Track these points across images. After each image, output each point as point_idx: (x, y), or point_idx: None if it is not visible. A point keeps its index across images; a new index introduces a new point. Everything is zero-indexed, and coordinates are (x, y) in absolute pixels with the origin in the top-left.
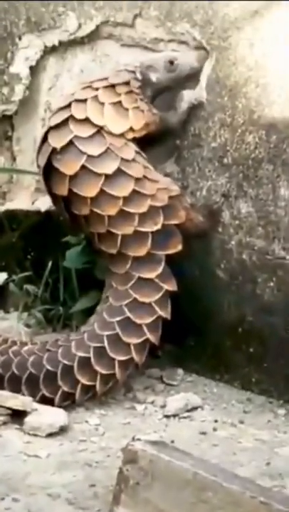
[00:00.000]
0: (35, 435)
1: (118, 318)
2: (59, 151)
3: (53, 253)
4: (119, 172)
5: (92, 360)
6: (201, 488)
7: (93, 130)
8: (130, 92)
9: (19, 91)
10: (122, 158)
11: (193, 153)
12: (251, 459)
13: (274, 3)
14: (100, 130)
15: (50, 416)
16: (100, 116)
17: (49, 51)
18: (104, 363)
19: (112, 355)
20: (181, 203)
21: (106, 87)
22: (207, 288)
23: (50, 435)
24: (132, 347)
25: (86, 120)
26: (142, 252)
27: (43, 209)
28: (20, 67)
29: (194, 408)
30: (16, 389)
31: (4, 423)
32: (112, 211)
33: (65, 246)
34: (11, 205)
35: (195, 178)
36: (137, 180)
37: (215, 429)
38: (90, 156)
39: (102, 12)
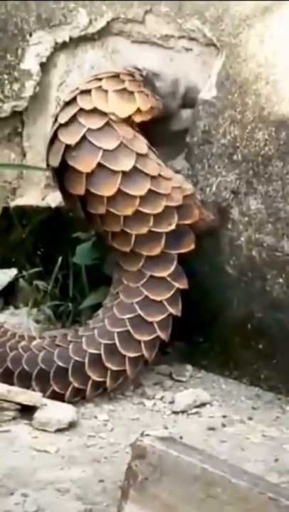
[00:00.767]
0: (44, 430)
1: (129, 316)
2: (73, 147)
3: (63, 249)
4: (135, 170)
5: (103, 356)
6: (209, 484)
7: (103, 121)
8: (134, 80)
9: (30, 87)
10: (137, 154)
11: (203, 150)
12: (259, 455)
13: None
14: (110, 122)
15: (59, 411)
16: (105, 104)
17: (60, 47)
18: (114, 359)
19: (122, 352)
20: (194, 202)
21: (110, 76)
22: (216, 284)
23: (59, 430)
24: (143, 344)
25: (94, 110)
26: (155, 251)
27: (53, 205)
28: (30, 63)
29: (203, 404)
30: (26, 384)
31: (13, 418)
32: (129, 211)
33: (75, 242)
34: (21, 200)
35: (204, 175)
36: (153, 178)
37: (223, 425)
38: (105, 151)
39: (112, 8)
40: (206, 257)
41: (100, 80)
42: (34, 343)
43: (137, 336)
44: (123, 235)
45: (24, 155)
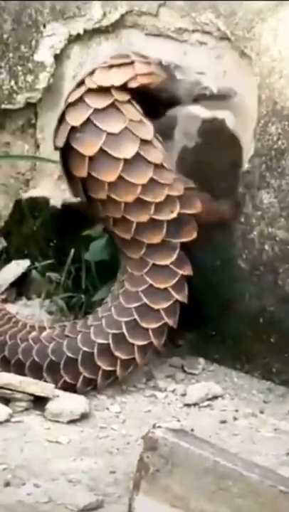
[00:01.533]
0: (57, 421)
1: (135, 304)
2: (79, 128)
3: (75, 241)
4: (138, 157)
5: (112, 346)
6: (220, 477)
7: (108, 101)
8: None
9: (43, 79)
10: (141, 140)
11: None
12: (271, 449)
13: None
14: (115, 102)
15: (71, 403)
16: (106, 78)
17: (73, 39)
18: (123, 348)
19: (131, 340)
20: (195, 191)
21: (123, 64)
22: (229, 278)
23: (71, 422)
24: (151, 332)
25: (99, 90)
26: (156, 239)
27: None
28: (44, 55)
29: (215, 397)
30: (37, 376)
31: (26, 409)
32: (130, 198)
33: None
34: (33, 192)
35: None
36: (155, 167)
37: (235, 419)
38: (109, 135)
39: (126, 1)
40: (219, 250)
41: (110, 65)
42: (44, 333)
43: (145, 324)
44: (124, 221)
45: (38, 146)
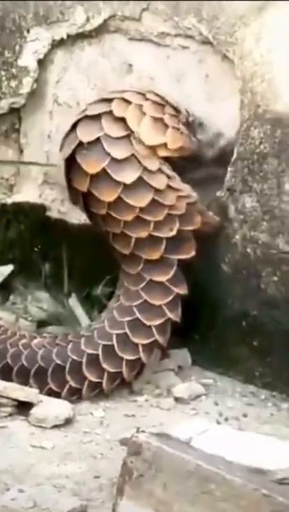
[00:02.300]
0: (41, 427)
1: (127, 319)
2: (86, 146)
3: (58, 245)
4: (140, 181)
5: (101, 357)
6: (204, 480)
7: (124, 133)
8: (175, 116)
9: (27, 84)
10: (145, 168)
11: None
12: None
13: None
14: (131, 135)
15: (55, 408)
16: (136, 121)
17: (57, 44)
18: (112, 361)
19: (120, 354)
20: (197, 208)
21: (156, 102)
22: (212, 282)
23: (55, 427)
24: (140, 347)
25: (121, 120)
26: (154, 255)
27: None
28: (28, 60)
29: (198, 401)
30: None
31: (10, 414)
32: (129, 217)
33: (69, 238)
34: (17, 197)
35: None
36: (158, 191)
37: (218, 422)
38: (113, 159)
39: (109, 6)
40: (202, 254)
41: (147, 99)
42: (35, 341)
43: (135, 339)
44: (123, 237)
45: (21, 151)
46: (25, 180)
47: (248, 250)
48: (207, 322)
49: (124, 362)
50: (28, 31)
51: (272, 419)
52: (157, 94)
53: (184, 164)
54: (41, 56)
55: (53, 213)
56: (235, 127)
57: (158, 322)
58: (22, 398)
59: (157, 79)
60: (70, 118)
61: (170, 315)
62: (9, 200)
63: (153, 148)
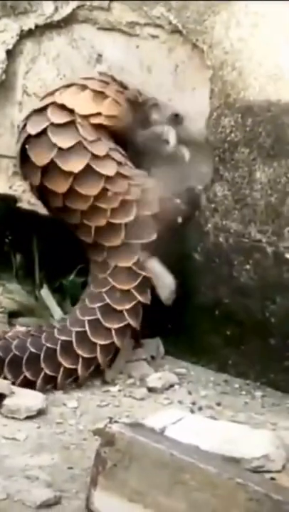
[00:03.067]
0: (13, 418)
1: (98, 304)
2: (33, 138)
3: (29, 237)
4: (89, 169)
5: (74, 344)
6: (178, 470)
7: (67, 118)
8: (120, 92)
9: None
10: (93, 154)
11: None
12: None
13: None
14: (74, 121)
15: (28, 399)
16: (72, 100)
17: (25, 35)
18: (85, 347)
19: (93, 339)
20: (155, 194)
21: (102, 80)
22: (184, 270)
23: (28, 418)
24: (113, 331)
25: (65, 107)
26: (116, 242)
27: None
28: None
29: (172, 390)
30: None
31: None
32: (84, 207)
33: (40, 229)
34: None
35: None
36: (108, 178)
37: (192, 412)
38: (60, 150)
39: None
40: (174, 243)
41: (91, 79)
42: (9, 333)
43: (107, 324)
44: (83, 226)
45: None
46: None
47: (220, 239)
48: (180, 311)
49: (98, 347)
50: None
51: (246, 407)
52: (105, 74)
53: None
54: (10, 47)
55: (24, 204)
56: (205, 116)
57: (128, 306)
58: None
59: (127, 68)
60: None
61: (140, 298)
62: None
63: (87, 118)
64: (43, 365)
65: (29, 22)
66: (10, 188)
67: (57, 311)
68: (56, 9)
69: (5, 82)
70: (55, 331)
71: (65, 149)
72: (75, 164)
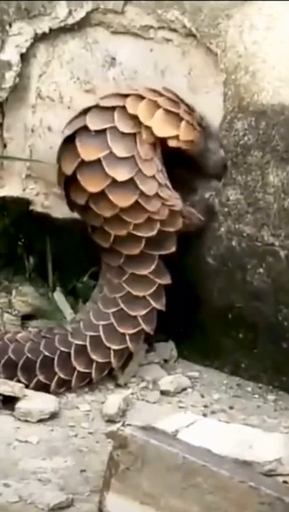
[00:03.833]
0: (26, 421)
1: (113, 310)
2: (92, 132)
3: (42, 240)
4: (130, 182)
5: (89, 348)
6: (190, 473)
7: (132, 130)
8: (190, 114)
9: (10, 78)
10: (140, 171)
11: None
12: None
13: None
14: (138, 133)
15: (41, 402)
16: (148, 116)
17: (39, 38)
18: (100, 351)
19: (107, 344)
20: (180, 212)
21: (170, 98)
22: (197, 275)
23: (41, 421)
24: (127, 337)
25: (133, 117)
26: (134, 251)
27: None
28: (10, 54)
29: (184, 393)
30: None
31: None
32: (108, 214)
33: (53, 232)
34: (1, 191)
35: None
36: (144, 195)
37: (205, 415)
38: (111, 153)
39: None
40: (187, 247)
41: (160, 94)
42: (20, 335)
43: (121, 329)
44: (102, 231)
45: (5, 146)
46: (9, 174)
47: (233, 243)
48: (193, 315)
49: (112, 352)
50: (10, 25)
51: (259, 411)
52: (172, 92)
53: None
54: (24, 50)
55: (37, 207)
56: (218, 119)
57: (143, 312)
58: (7, 392)
59: (141, 72)
60: (53, 112)
61: (155, 304)
62: None
63: (164, 140)
64: (56, 368)
65: (43, 25)
66: (23, 190)
67: (69, 314)
68: (70, 12)
69: (18, 86)
70: (68, 334)
71: (117, 156)
72: (120, 172)
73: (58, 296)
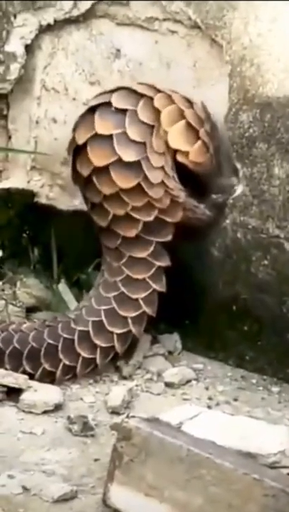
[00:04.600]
0: (31, 412)
1: (113, 294)
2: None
3: (47, 231)
4: (136, 163)
5: (92, 333)
6: (194, 465)
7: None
8: (211, 137)
9: (14, 70)
10: (148, 159)
11: None
12: None
13: None
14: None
15: (45, 393)
16: (169, 123)
17: (44, 30)
18: (103, 336)
19: (110, 328)
20: (181, 205)
21: (197, 115)
22: (202, 266)
23: (45, 412)
24: (130, 320)
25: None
26: (131, 233)
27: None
28: (15, 45)
29: (189, 385)
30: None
31: (0, 400)
32: (107, 191)
33: (58, 224)
34: (6, 183)
35: None
36: (147, 180)
37: (209, 407)
38: (124, 133)
39: None
40: (192, 239)
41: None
42: (25, 325)
43: (123, 313)
44: (101, 209)
45: (9, 137)
46: (13, 166)
47: (238, 235)
48: (197, 306)
49: (115, 336)
50: (14, 17)
51: (264, 403)
52: (205, 110)
53: None
54: (28, 42)
55: (42, 199)
56: (223, 112)
57: (144, 294)
58: (11, 384)
59: (145, 64)
60: (58, 103)
61: (155, 286)
62: None
63: (173, 151)
64: (61, 356)
65: (48, 17)
66: (28, 182)
67: (74, 306)
68: (75, 4)
69: (23, 77)
70: (71, 321)
71: (131, 139)
72: (128, 152)
73: (63, 288)
